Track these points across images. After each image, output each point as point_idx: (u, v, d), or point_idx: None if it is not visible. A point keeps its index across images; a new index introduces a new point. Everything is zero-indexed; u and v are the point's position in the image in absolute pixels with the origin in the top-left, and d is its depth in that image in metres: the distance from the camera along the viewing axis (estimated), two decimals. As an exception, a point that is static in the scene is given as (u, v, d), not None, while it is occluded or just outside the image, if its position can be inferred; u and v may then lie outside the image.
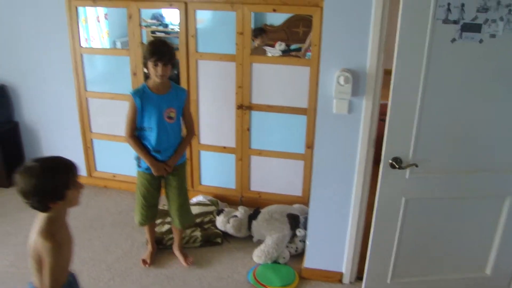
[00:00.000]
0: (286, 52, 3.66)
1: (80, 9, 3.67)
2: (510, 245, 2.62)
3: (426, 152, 2.34)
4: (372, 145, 2.52)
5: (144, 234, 3.24)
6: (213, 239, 3.34)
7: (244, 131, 3.61)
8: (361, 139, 2.52)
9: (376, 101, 2.41)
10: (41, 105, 4.12)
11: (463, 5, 2.04)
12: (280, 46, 3.67)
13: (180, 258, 3.11)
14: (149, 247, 3.15)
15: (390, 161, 2.34)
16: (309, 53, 3.43)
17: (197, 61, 3.49)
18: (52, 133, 4.20)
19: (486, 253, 2.67)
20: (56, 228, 1.72)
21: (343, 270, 2.91)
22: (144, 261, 3.07)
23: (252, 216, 3.36)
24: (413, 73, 2.16)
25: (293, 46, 3.69)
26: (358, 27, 2.30)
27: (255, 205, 3.59)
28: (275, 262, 3.10)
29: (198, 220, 3.43)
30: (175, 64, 2.72)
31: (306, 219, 3.14)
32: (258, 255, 3.11)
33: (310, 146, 3.46)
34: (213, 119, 3.67)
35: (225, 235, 3.40)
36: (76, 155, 3.94)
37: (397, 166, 2.32)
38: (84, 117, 3.97)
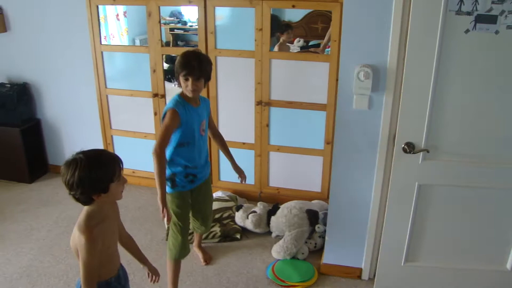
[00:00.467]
0: (304, 48, 3.64)
1: (100, 7, 3.72)
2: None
3: (439, 139, 2.36)
4: (393, 141, 2.51)
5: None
6: (232, 235, 3.36)
7: (263, 127, 3.62)
8: (381, 135, 2.51)
9: (397, 97, 2.39)
10: (62, 102, 4.19)
11: (477, -4, 2.05)
12: (298, 42, 3.65)
13: (200, 255, 3.13)
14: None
15: (403, 145, 2.37)
16: (328, 49, 3.41)
17: (216, 57, 3.51)
18: (73, 130, 4.26)
19: (505, 247, 2.63)
20: (95, 222, 1.72)
21: (362, 266, 2.91)
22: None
23: (271, 212, 3.37)
24: (426, 62, 2.20)
25: (311, 42, 3.68)
26: (379, 21, 2.28)
27: (274, 201, 3.60)
28: (294, 257, 3.11)
29: (217, 216, 3.45)
30: (209, 78, 2.45)
31: (325, 215, 3.14)
32: (277, 250, 3.12)
33: (329, 142, 3.45)
34: (232, 115, 3.69)
35: (244, 231, 3.42)
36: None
37: (409, 151, 2.35)
38: (105, 114, 4.02)
